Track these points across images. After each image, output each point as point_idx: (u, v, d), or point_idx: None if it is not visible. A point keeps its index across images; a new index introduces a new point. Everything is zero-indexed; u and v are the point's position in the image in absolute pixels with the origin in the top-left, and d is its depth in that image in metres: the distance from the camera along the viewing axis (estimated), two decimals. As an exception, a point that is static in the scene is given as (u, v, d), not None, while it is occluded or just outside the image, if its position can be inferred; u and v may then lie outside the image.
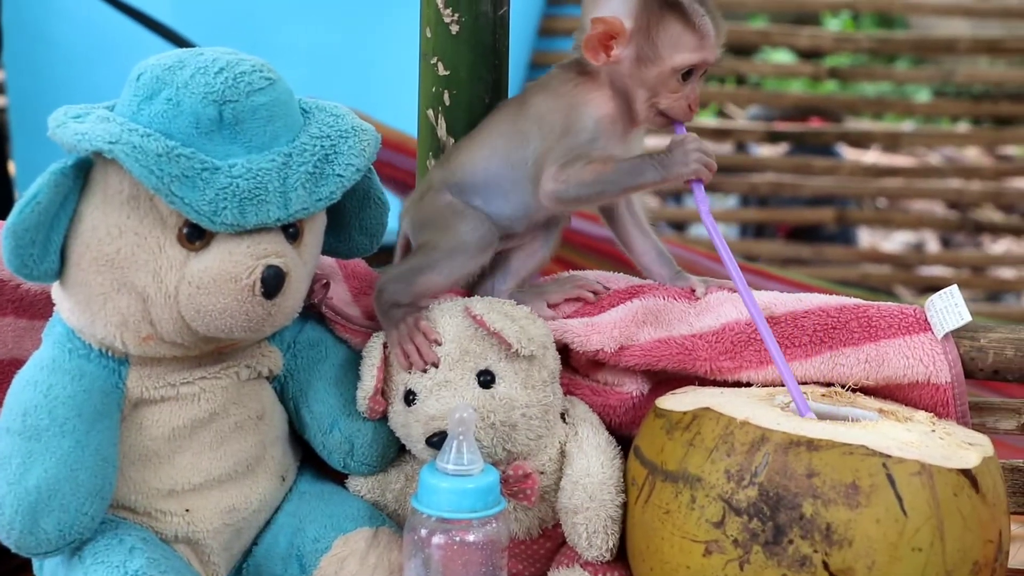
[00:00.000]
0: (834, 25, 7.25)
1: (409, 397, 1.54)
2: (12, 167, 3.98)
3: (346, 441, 1.58)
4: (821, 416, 1.48)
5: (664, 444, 1.47)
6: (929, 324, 1.60)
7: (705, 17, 1.56)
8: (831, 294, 1.68)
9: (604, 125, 1.59)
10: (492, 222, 1.61)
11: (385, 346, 1.56)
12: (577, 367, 1.68)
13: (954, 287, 1.61)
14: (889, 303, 1.65)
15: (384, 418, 1.58)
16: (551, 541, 1.62)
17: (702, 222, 1.57)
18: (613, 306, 1.67)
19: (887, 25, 7.31)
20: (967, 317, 1.57)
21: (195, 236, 1.40)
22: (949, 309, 1.58)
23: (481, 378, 1.52)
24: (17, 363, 1.49)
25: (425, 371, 1.53)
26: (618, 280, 1.73)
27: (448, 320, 1.55)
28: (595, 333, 1.63)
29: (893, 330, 1.60)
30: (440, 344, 1.54)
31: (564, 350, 1.64)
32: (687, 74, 1.56)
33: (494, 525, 1.43)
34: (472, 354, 1.53)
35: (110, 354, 1.45)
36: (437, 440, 1.49)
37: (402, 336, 1.55)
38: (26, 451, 1.39)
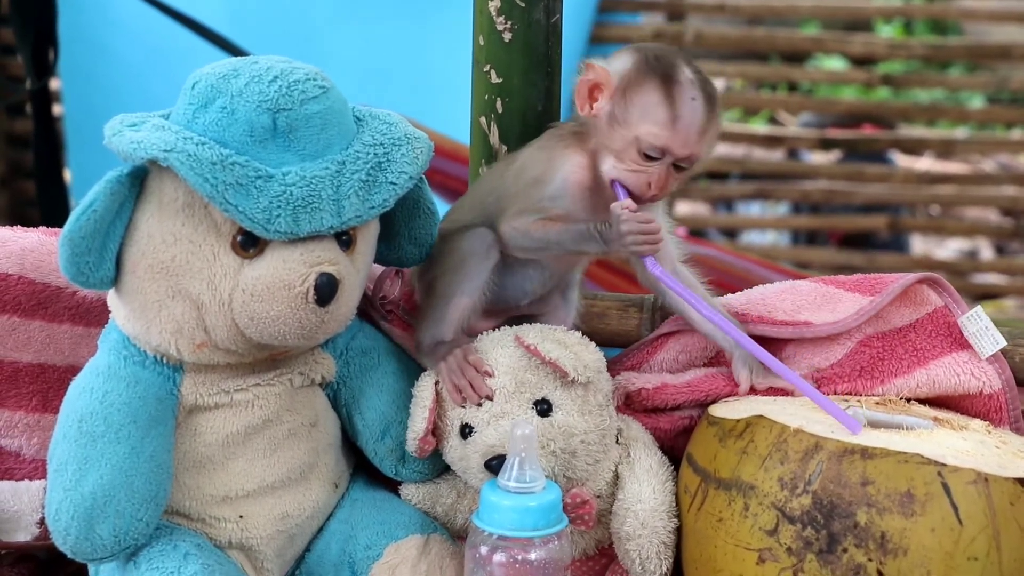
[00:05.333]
0: (887, 32, 7.21)
1: (465, 431, 1.53)
2: (68, 175, 4.01)
3: (398, 448, 1.59)
4: (875, 424, 1.48)
5: (717, 452, 1.46)
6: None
7: (692, 101, 1.46)
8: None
9: (572, 188, 1.54)
10: (484, 227, 1.59)
11: (437, 383, 1.55)
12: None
13: (978, 308, 1.59)
14: (922, 310, 1.63)
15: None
16: (606, 557, 1.62)
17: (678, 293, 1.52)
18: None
19: (940, 32, 7.27)
20: (1001, 341, 1.57)
21: (249, 244, 1.40)
22: (981, 332, 1.58)
23: (538, 407, 1.51)
24: (74, 370, 1.50)
25: (480, 405, 1.52)
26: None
27: (500, 351, 1.54)
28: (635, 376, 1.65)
29: (938, 350, 1.60)
30: (492, 376, 1.52)
31: None
32: (651, 155, 1.48)
33: (556, 543, 1.40)
34: (528, 385, 1.52)
35: (165, 361, 1.46)
36: (496, 463, 1.47)
37: (452, 371, 1.53)
38: (82, 457, 1.40)
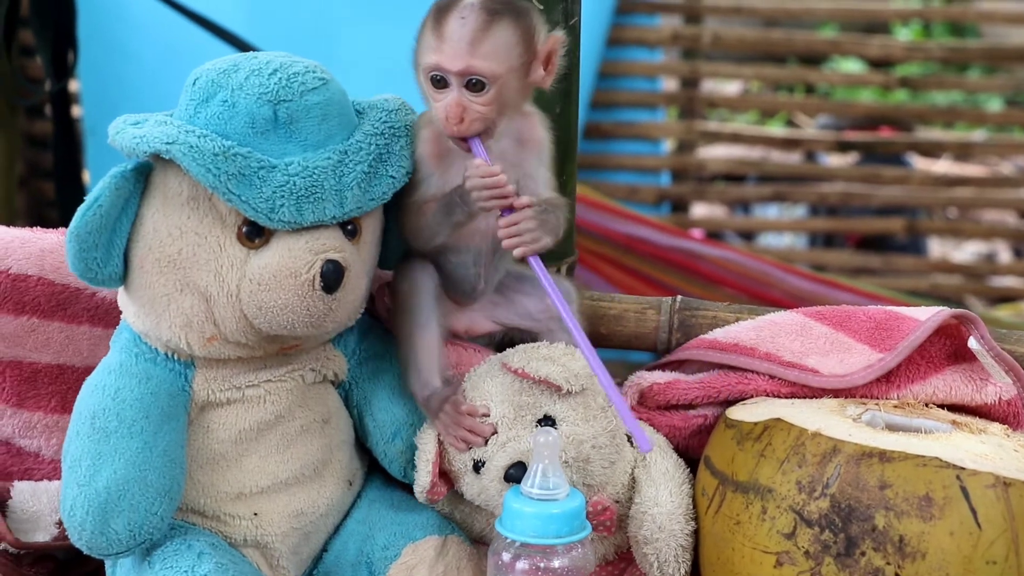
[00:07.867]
0: (904, 34, 7.20)
1: (478, 466, 1.51)
2: (86, 176, 4.02)
3: (408, 451, 1.58)
4: (893, 428, 1.47)
5: (735, 454, 1.46)
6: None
7: (461, 19, 1.44)
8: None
9: (430, 162, 1.52)
10: (417, 254, 1.57)
11: (439, 433, 1.54)
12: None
13: (980, 350, 1.58)
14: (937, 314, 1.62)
15: None
16: (625, 561, 1.61)
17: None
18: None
19: (958, 34, 7.25)
20: (1006, 379, 1.57)
21: (254, 234, 1.41)
22: (990, 366, 1.58)
23: (543, 425, 1.50)
24: (92, 371, 1.50)
25: (486, 443, 1.51)
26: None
27: (491, 382, 1.53)
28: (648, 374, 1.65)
29: (954, 358, 1.61)
30: (488, 415, 1.51)
31: None
32: (439, 81, 1.46)
33: (580, 551, 1.39)
34: (527, 407, 1.51)
35: (176, 357, 1.47)
36: (514, 472, 1.47)
37: (447, 426, 1.51)
38: (95, 453, 1.40)
